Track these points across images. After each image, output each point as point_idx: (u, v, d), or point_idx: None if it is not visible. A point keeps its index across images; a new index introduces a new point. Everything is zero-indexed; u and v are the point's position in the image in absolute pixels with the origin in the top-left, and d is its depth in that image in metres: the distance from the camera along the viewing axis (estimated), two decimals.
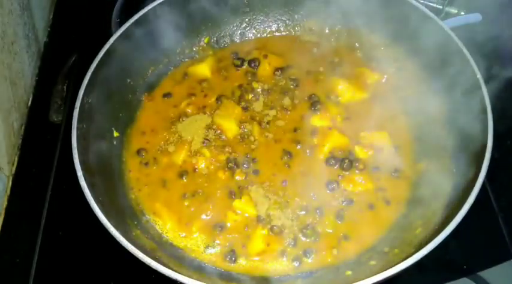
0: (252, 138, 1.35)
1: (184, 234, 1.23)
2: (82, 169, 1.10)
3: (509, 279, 1.27)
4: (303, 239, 1.21)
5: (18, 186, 1.44)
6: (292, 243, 1.20)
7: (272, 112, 1.39)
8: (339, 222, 1.22)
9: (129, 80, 1.41)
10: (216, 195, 1.28)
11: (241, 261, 1.19)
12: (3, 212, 1.39)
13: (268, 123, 1.38)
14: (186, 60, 1.53)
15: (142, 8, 1.36)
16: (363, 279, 0.95)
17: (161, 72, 1.49)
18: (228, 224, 1.23)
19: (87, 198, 1.07)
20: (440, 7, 1.65)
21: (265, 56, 1.50)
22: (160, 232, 1.24)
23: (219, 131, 1.36)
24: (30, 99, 1.63)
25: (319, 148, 1.32)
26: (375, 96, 1.42)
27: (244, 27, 1.56)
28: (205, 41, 1.54)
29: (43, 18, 1.79)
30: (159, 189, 1.30)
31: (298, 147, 1.33)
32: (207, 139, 1.35)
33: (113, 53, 1.30)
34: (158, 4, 1.37)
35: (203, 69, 1.49)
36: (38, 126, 1.57)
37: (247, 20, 1.55)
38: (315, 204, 1.24)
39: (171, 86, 1.48)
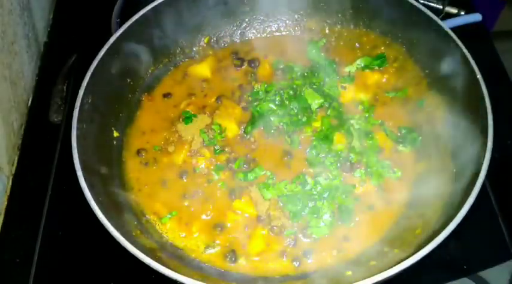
0: (252, 138, 1.35)
1: (184, 234, 1.23)
2: (82, 169, 1.10)
3: (509, 279, 1.27)
4: (303, 239, 1.21)
5: (18, 186, 1.44)
6: (292, 243, 1.20)
7: None
8: (339, 222, 1.22)
9: (129, 80, 1.41)
10: (216, 195, 1.28)
11: (241, 261, 1.19)
12: (3, 212, 1.39)
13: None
14: (186, 60, 1.52)
15: (142, 8, 1.36)
16: (363, 279, 0.95)
17: (161, 72, 1.49)
18: (228, 225, 1.23)
19: (87, 198, 1.07)
20: (440, 7, 1.65)
21: (265, 56, 1.50)
22: (160, 232, 1.24)
23: (219, 131, 1.36)
24: (30, 99, 1.63)
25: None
26: (375, 96, 1.42)
27: (244, 27, 1.56)
28: (205, 41, 1.54)
29: (43, 18, 1.79)
30: (159, 189, 1.30)
31: (299, 147, 1.33)
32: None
33: (112, 53, 1.30)
34: (158, 4, 1.37)
35: (203, 69, 1.49)
36: (38, 126, 1.57)
37: (247, 20, 1.55)
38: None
39: (171, 86, 1.48)
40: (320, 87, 1.39)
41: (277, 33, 1.58)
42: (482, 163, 1.07)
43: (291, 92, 1.39)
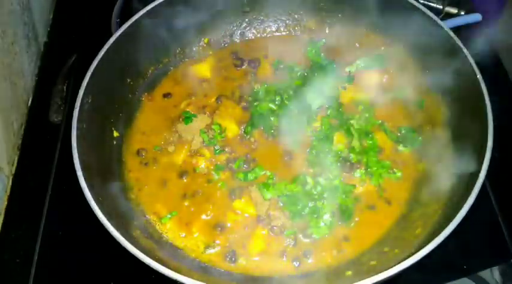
0: (252, 139, 1.35)
1: (184, 234, 1.23)
2: (82, 169, 1.10)
3: (509, 279, 1.27)
4: (303, 239, 1.21)
5: (18, 186, 1.44)
6: (292, 243, 1.20)
7: None
8: (339, 223, 1.22)
9: (129, 80, 1.41)
10: (216, 195, 1.28)
11: (241, 261, 1.19)
12: (3, 212, 1.39)
13: None
14: (186, 60, 1.53)
15: (142, 8, 1.36)
16: (363, 279, 0.95)
17: (161, 72, 1.49)
18: (228, 225, 1.23)
19: (87, 198, 1.07)
20: (440, 7, 1.66)
21: (265, 56, 1.50)
22: (160, 232, 1.24)
23: (219, 131, 1.36)
24: (30, 99, 1.63)
25: None
26: (375, 96, 1.42)
27: (244, 27, 1.56)
28: (205, 41, 1.54)
29: (43, 18, 1.79)
30: (159, 189, 1.30)
31: (299, 147, 1.33)
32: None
33: (112, 53, 1.30)
34: (158, 4, 1.37)
35: (203, 69, 1.49)
36: (38, 126, 1.57)
37: (247, 20, 1.55)
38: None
39: (171, 86, 1.48)
40: (320, 87, 1.39)
41: (277, 33, 1.58)
42: (482, 163, 1.07)
43: (291, 92, 1.39)
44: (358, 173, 1.28)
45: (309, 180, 1.25)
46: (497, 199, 1.35)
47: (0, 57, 1.42)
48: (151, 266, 0.99)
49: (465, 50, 1.23)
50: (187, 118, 1.37)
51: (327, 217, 1.22)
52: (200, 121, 1.37)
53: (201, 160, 1.32)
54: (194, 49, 1.54)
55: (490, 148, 1.09)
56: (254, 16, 1.55)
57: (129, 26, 1.33)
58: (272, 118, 1.36)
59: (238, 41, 1.57)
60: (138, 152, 1.35)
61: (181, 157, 1.33)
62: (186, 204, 1.27)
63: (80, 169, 1.10)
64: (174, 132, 1.38)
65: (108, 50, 1.29)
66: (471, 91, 1.20)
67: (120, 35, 1.32)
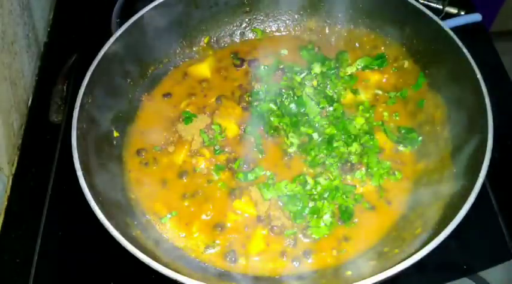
0: (252, 138, 1.35)
1: (184, 234, 1.23)
2: (82, 169, 1.10)
3: (509, 279, 1.27)
4: (303, 239, 1.21)
5: (18, 186, 1.44)
6: (292, 243, 1.20)
7: None
8: (339, 223, 1.22)
9: (129, 80, 1.41)
10: (216, 195, 1.28)
11: (241, 261, 1.19)
12: (3, 212, 1.39)
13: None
14: (186, 60, 1.52)
15: (142, 8, 1.36)
16: (363, 279, 0.95)
17: (161, 72, 1.49)
18: (228, 225, 1.23)
19: (87, 198, 1.07)
20: (440, 7, 1.66)
21: (265, 56, 1.50)
22: (160, 232, 1.24)
23: (219, 131, 1.36)
24: (30, 99, 1.63)
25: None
26: (375, 96, 1.42)
27: (244, 27, 1.56)
28: (205, 41, 1.54)
29: (43, 18, 1.79)
30: (159, 189, 1.30)
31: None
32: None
33: (112, 53, 1.30)
34: (158, 4, 1.37)
35: (203, 69, 1.49)
36: (38, 126, 1.57)
37: (247, 20, 1.55)
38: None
39: (171, 86, 1.48)
40: (320, 87, 1.39)
41: (277, 33, 1.58)
42: (482, 163, 1.07)
43: (291, 92, 1.39)
44: (358, 174, 1.28)
45: (309, 180, 1.25)
46: (497, 199, 1.35)
47: (0, 57, 1.42)
48: (151, 266, 0.99)
49: (465, 50, 1.23)
50: (187, 118, 1.37)
51: (327, 217, 1.22)
52: (200, 121, 1.37)
53: (201, 160, 1.32)
54: (194, 49, 1.54)
55: (490, 148, 1.09)
56: (254, 16, 1.55)
57: (129, 26, 1.33)
58: (272, 118, 1.36)
59: (238, 41, 1.57)
60: (138, 152, 1.35)
61: (181, 157, 1.33)
62: (186, 204, 1.27)
63: (80, 169, 1.10)
64: (174, 132, 1.38)
65: (108, 50, 1.29)
66: (471, 91, 1.20)
67: (120, 35, 1.31)
